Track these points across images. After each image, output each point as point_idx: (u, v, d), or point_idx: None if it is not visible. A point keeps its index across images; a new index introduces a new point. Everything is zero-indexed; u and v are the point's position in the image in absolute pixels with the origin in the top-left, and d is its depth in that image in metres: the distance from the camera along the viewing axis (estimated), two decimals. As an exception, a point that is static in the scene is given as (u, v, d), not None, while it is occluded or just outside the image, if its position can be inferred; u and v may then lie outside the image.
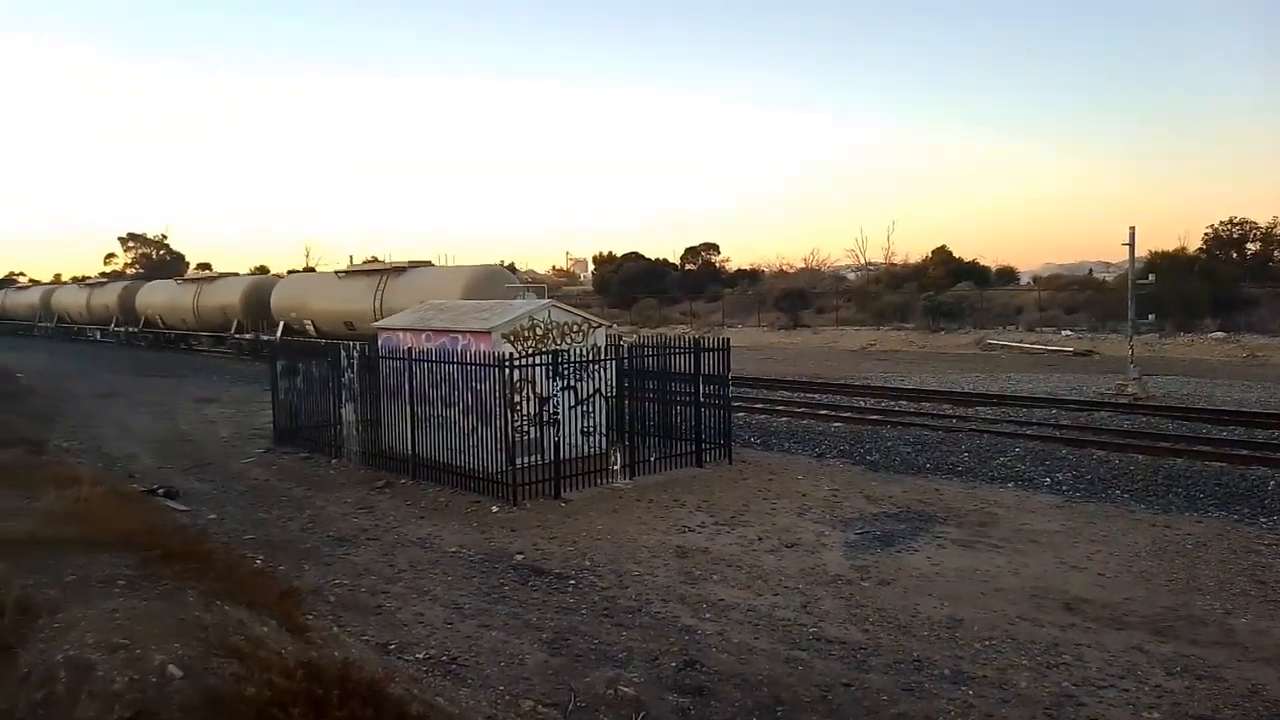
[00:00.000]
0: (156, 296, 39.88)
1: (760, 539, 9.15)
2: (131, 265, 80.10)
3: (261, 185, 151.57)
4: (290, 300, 30.52)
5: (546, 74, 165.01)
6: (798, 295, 46.22)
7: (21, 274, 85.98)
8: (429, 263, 27.94)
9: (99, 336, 44.73)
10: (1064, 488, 11.31)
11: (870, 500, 10.69)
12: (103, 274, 71.60)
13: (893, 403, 19.22)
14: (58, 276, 73.22)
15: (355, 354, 13.74)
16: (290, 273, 40.89)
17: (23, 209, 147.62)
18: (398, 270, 27.03)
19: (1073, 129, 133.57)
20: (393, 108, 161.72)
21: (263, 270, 56.97)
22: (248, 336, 32.87)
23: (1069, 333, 34.88)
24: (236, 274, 40.24)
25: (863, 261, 61.12)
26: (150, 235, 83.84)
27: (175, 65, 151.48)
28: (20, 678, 3.74)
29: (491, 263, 29.19)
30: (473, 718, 4.97)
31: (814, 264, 60.71)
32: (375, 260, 31.57)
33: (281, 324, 30.50)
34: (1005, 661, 6.12)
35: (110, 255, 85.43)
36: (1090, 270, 56.98)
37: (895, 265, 55.58)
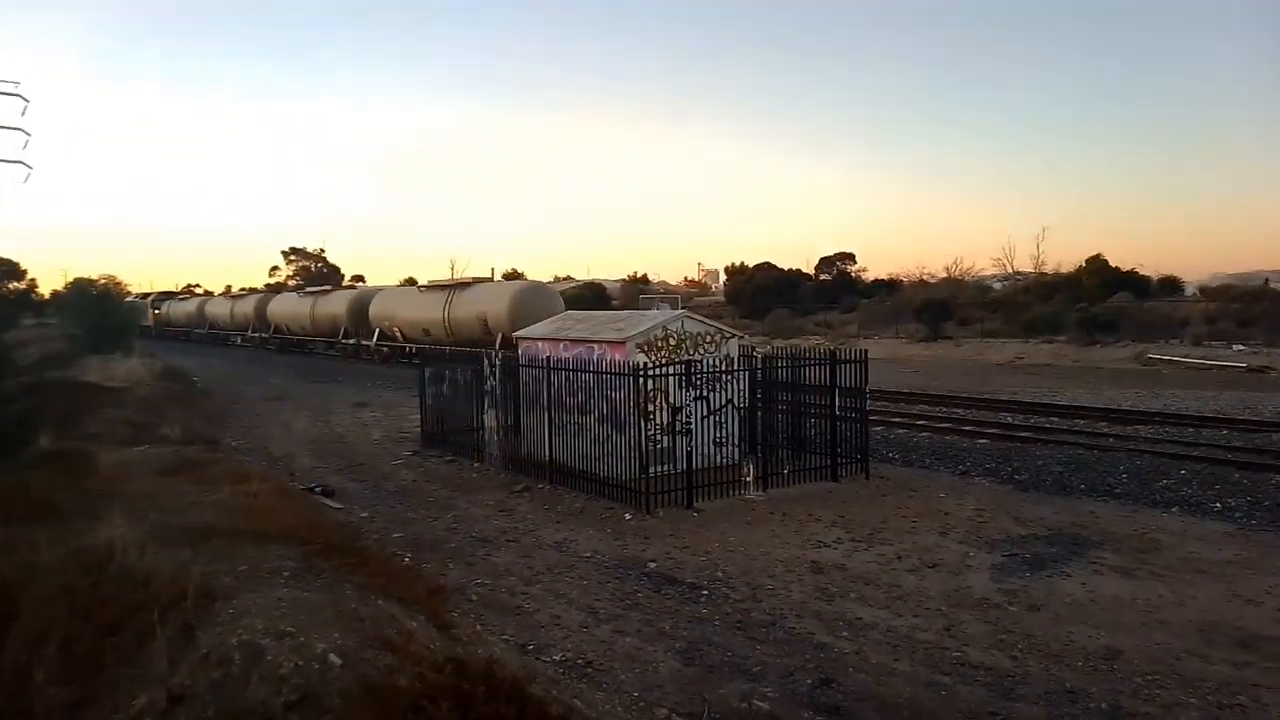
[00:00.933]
0: (283, 307, 45.99)
1: (900, 558, 8.88)
2: (292, 277, 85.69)
3: (412, 199, 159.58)
4: (383, 310, 35.64)
5: (676, 84, 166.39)
6: (939, 306, 44.51)
7: (197, 285, 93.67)
8: (489, 278, 32.64)
9: (239, 341, 50.97)
10: (1237, 515, 10.43)
11: (1018, 521, 10.19)
12: (267, 285, 76.96)
13: (1043, 419, 18.25)
14: (228, 288, 79.31)
15: (497, 362, 14.24)
16: (384, 287, 45.44)
17: (202, 225, 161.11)
18: (462, 285, 32.29)
19: (1242, 125, 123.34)
20: (531, 125, 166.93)
21: (410, 281, 60.25)
22: (351, 341, 38.15)
23: (1241, 347, 32.13)
24: (354, 287, 46.71)
25: (1010, 271, 58.38)
26: (310, 249, 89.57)
27: (329, 91, 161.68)
28: (201, 657, 4.08)
29: (535, 279, 37.63)
30: (608, 722, 5.05)
31: (957, 273, 58.38)
32: (500, 276, 34.16)
33: (377, 330, 35.85)
34: (1170, 698, 5.70)
35: (274, 268, 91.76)
36: (1266, 280, 52.27)
37: (1045, 275, 52.80)
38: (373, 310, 36.24)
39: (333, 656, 3.82)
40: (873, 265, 72.73)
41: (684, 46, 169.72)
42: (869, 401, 13.06)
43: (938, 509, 10.81)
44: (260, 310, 48.14)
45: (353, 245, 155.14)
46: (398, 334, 34.26)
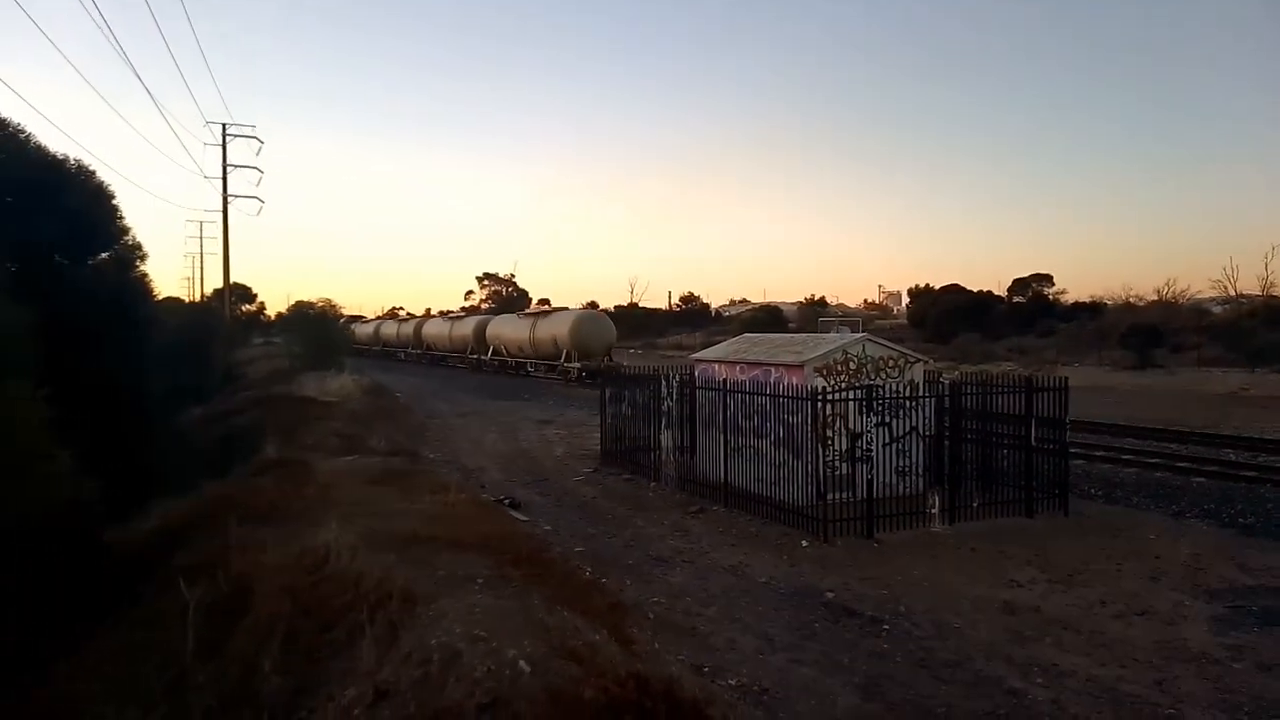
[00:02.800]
0: (432, 329, 57.23)
1: (1103, 602, 8.24)
2: (485, 301, 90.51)
3: (596, 222, 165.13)
4: (494, 333, 45.97)
5: (852, 100, 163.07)
6: (1148, 331, 40.92)
7: (401, 308, 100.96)
8: (565, 308, 41.63)
9: (402, 356, 61.74)
10: None
11: (1244, 570, 9.20)
12: (462, 308, 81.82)
13: (1272, 458, 16.38)
14: (427, 311, 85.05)
15: (674, 384, 14.44)
16: (504, 313, 55.84)
17: (412, 250, 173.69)
18: (544, 314, 42.18)
19: None
20: (710, 145, 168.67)
21: (592, 305, 63.84)
22: (474, 356, 48.14)
23: None
24: (478, 310, 58.92)
25: (1233, 293, 52.83)
26: (501, 274, 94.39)
27: (522, 114, 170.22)
28: (404, 656, 4.39)
29: (592, 309, 46.71)
30: (785, 751, 4.99)
31: (1169, 296, 53.46)
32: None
33: (490, 348, 45.96)
34: None
35: (469, 292, 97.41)
36: None
37: (1276, 297, 47.51)
38: (488, 333, 46.53)
39: (523, 663, 4.01)
40: (1072, 287, 67.99)
41: (861, 59, 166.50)
42: (1069, 433, 12.21)
43: (1147, 551, 9.96)
44: (418, 331, 59.64)
45: (542, 268, 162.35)
46: (504, 350, 44.45)
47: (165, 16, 63.10)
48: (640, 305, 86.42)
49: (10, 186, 11.30)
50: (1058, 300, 57.54)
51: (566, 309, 41.81)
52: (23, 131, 12.15)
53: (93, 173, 13.42)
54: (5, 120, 11.95)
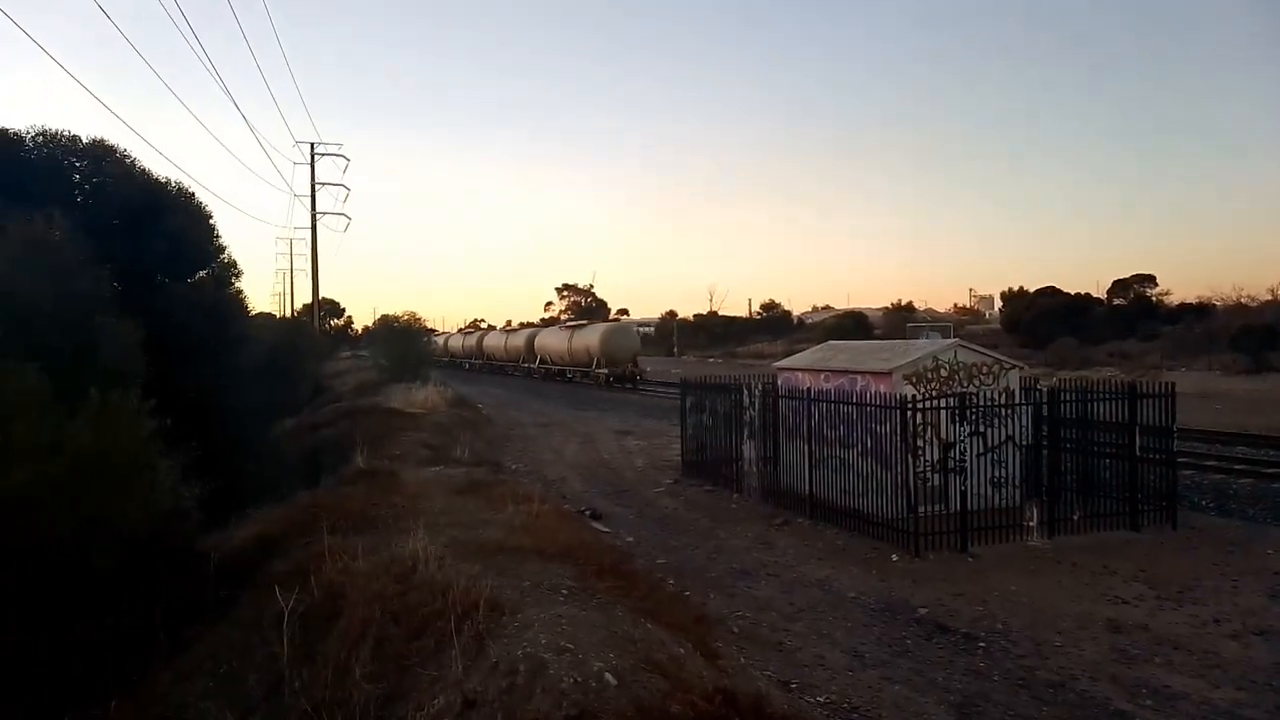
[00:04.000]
0: (493, 341, 62.89)
1: (1217, 621, 7.76)
2: (564, 311, 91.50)
3: (674, 230, 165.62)
4: (540, 344, 51.67)
5: (945, 103, 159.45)
6: (1263, 332, 38.57)
7: (482, 320, 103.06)
8: (595, 320, 47.32)
9: (467, 367, 66.56)
10: None
11: (1376, 589, 8.55)
12: (541, 319, 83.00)
13: (1406, 468, 15.24)
14: (508, 323, 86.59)
15: (757, 393, 14.25)
16: (548, 325, 63.25)
17: (493, 263, 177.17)
18: (579, 326, 48.09)
19: None
20: (791, 154, 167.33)
21: (671, 314, 64.20)
22: (525, 365, 53.65)
23: None
24: (530, 325, 65.91)
25: (1357, 290, 49.30)
26: (580, 285, 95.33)
27: (595, 129, 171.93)
28: (491, 666, 4.39)
29: (619, 321, 53.09)
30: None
31: (1285, 295, 50.22)
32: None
33: (539, 358, 51.26)
34: None
35: (548, 303, 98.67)
36: None
37: (1404, 294, 44.27)
38: (536, 343, 52.16)
39: (609, 676, 3.96)
40: (1177, 287, 64.67)
41: (947, 60, 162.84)
42: (1177, 441, 11.57)
43: (1265, 567, 9.36)
44: (479, 343, 65.82)
45: (621, 278, 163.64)
46: (549, 359, 49.94)
47: (254, 37, 66.20)
48: (720, 313, 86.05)
49: (117, 210, 11.91)
50: (1162, 302, 54.88)
51: (600, 321, 48.95)
52: (128, 157, 12.80)
53: (192, 195, 14.07)
54: (112, 147, 12.63)
